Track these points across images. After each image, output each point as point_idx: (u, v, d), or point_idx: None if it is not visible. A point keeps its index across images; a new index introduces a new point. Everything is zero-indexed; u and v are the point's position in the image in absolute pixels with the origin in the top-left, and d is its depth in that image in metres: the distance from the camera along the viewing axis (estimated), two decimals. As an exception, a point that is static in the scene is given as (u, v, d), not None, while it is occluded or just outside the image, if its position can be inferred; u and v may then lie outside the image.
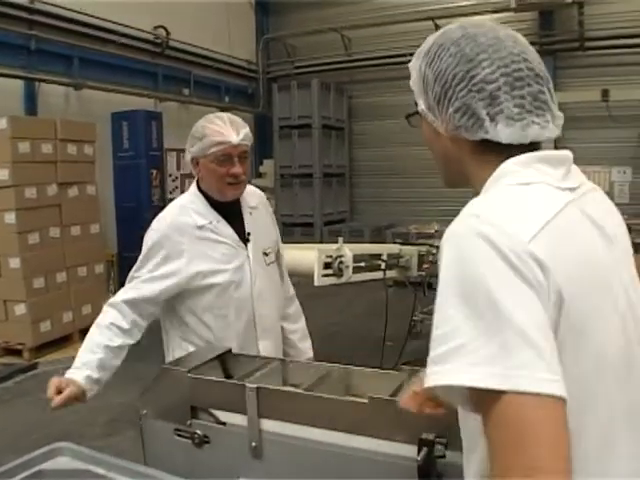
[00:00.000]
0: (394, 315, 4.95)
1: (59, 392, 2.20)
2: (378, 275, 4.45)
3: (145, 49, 10.38)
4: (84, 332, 8.11)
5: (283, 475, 1.73)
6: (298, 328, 2.89)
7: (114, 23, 9.39)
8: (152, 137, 9.12)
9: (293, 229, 11.71)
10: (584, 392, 1.00)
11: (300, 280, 3.52)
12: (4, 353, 6.81)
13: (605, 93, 10.36)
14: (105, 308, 2.49)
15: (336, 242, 4.06)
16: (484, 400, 0.93)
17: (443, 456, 1.46)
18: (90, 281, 7.59)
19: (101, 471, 1.62)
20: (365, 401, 1.63)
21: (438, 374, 0.96)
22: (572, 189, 1.12)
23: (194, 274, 2.45)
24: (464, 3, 11.48)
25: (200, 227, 2.49)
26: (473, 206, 1.07)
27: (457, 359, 0.94)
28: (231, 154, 2.43)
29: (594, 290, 1.04)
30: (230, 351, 2.23)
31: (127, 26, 9.66)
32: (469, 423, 1.11)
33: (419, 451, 1.46)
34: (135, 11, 9.73)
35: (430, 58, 1.19)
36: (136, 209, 8.83)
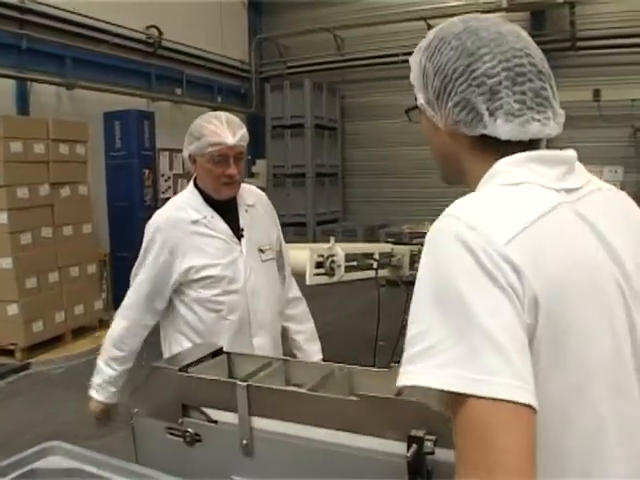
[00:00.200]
0: (387, 314, 4.96)
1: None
2: (370, 274, 4.46)
3: (138, 49, 10.38)
4: (76, 332, 8.08)
5: (274, 473, 1.73)
6: (304, 329, 2.89)
7: (106, 23, 9.38)
8: (144, 137, 9.10)
9: (286, 229, 11.52)
10: (567, 398, 0.98)
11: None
12: (-4, 353, 6.80)
13: (596, 93, 10.42)
14: (117, 319, 2.64)
15: (329, 242, 4.07)
16: (452, 403, 0.93)
17: (432, 453, 1.47)
18: (82, 281, 7.59)
19: (93, 470, 1.63)
20: (355, 399, 1.64)
21: (407, 374, 0.96)
22: (569, 190, 1.09)
23: (188, 268, 2.51)
24: (455, 3, 11.50)
25: (194, 222, 2.54)
26: (455, 206, 1.05)
27: (425, 360, 0.93)
28: (227, 155, 2.47)
29: (582, 294, 1.00)
30: (221, 349, 2.23)
31: (119, 26, 9.66)
32: None
33: (408, 448, 1.47)
34: (127, 11, 9.72)
35: (431, 52, 1.17)
36: (128, 209, 8.82)
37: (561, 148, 1.14)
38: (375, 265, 4.45)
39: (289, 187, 12.36)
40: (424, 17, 11.47)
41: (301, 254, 3.83)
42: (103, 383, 2.61)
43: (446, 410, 0.98)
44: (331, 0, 12.76)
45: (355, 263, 4.25)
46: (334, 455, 1.64)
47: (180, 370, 1.93)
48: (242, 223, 2.63)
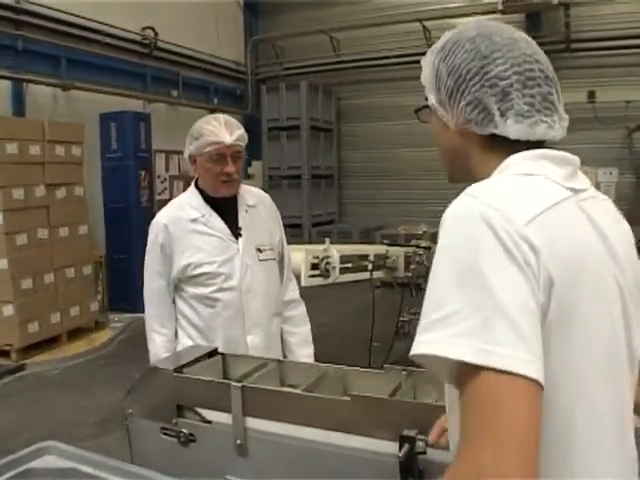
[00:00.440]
0: (382, 316, 4.99)
1: None
2: (365, 276, 4.48)
3: (133, 50, 10.36)
4: (72, 333, 8.06)
5: (268, 472, 1.75)
6: (299, 332, 2.94)
7: (102, 24, 9.36)
8: (140, 138, 9.09)
9: (281, 230, 11.65)
10: (574, 377, 1.02)
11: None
12: (-9, 354, 6.79)
13: (591, 94, 10.44)
14: (151, 336, 2.73)
15: (324, 243, 4.09)
16: (461, 373, 0.95)
17: (424, 452, 1.49)
18: (78, 282, 7.58)
19: (88, 469, 1.63)
20: (347, 399, 1.65)
21: (422, 343, 0.98)
22: (575, 190, 1.13)
23: (186, 264, 2.62)
24: (451, 5, 11.52)
25: (193, 220, 2.66)
26: (476, 187, 1.09)
27: (441, 329, 0.96)
28: (225, 154, 2.57)
29: (586, 283, 1.05)
30: (217, 350, 2.24)
31: (115, 27, 9.64)
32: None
33: (400, 448, 1.49)
34: (123, 12, 9.71)
35: (445, 54, 1.22)
36: (124, 210, 8.79)
37: (557, 150, 1.19)
38: (370, 267, 4.46)
39: (285, 189, 12.36)
40: (420, 19, 11.52)
41: (296, 255, 3.84)
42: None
43: (452, 381, 1.00)
44: (327, 2, 12.75)
45: (350, 265, 4.27)
46: (327, 455, 1.66)
47: (175, 371, 1.95)
48: (241, 222, 2.71)
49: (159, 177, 10.26)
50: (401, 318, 6.57)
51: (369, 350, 4.89)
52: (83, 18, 9.08)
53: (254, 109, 13.34)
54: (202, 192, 2.71)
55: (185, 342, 2.64)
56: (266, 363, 2.19)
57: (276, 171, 12.53)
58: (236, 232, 2.68)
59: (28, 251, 6.84)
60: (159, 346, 2.66)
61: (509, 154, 1.16)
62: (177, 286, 2.69)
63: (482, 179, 1.17)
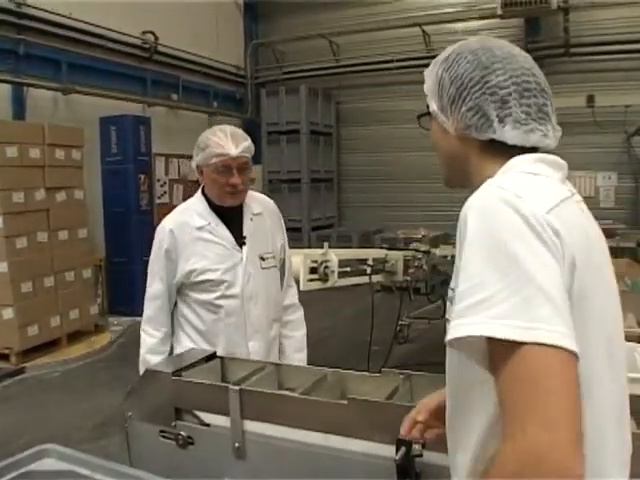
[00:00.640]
0: (382, 320, 5.00)
1: None
2: (364, 280, 4.49)
3: (133, 54, 10.37)
4: (71, 336, 8.06)
5: (266, 475, 1.76)
6: (294, 336, 2.98)
7: (103, 28, 9.38)
8: (140, 142, 9.10)
9: (281, 234, 11.66)
10: (584, 360, 1.04)
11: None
12: (-9, 357, 6.80)
13: (590, 99, 10.44)
14: (142, 336, 2.75)
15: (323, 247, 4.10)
16: (501, 354, 0.98)
17: (421, 455, 1.50)
18: (78, 286, 7.58)
19: (87, 472, 1.64)
20: (345, 402, 1.66)
21: (461, 326, 1.02)
22: (572, 191, 1.23)
23: (190, 270, 2.66)
24: (451, 10, 11.54)
25: (199, 228, 2.69)
26: (496, 180, 1.17)
27: (480, 312, 1.00)
28: (230, 165, 2.59)
29: (593, 271, 1.12)
30: (215, 354, 2.25)
31: (116, 31, 9.65)
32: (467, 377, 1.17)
33: (397, 451, 1.50)
34: (124, 16, 9.73)
35: (448, 64, 1.30)
36: (124, 214, 8.79)
37: (555, 154, 1.27)
38: (369, 271, 4.47)
39: (284, 192, 12.36)
40: (419, 23, 11.54)
41: (295, 259, 3.85)
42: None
43: (487, 365, 1.04)
44: (327, 6, 12.77)
45: (349, 269, 4.27)
46: (325, 458, 1.67)
47: (173, 374, 1.96)
48: (245, 231, 2.74)
49: (159, 181, 10.26)
50: (400, 322, 6.60)
51: (368, 354, 4.90)
52: (84, 22, 9.09)
53: (254, 113, 13.35)
54: (208, 199, 2.74)
55: (186, 344, 2.67)
56: (264, 366, 2.21)
57: (276, 175, 12.53)
58: (240, 240, 2.72)
59: (28, 254, 6.85)
60: (147, 348, 2.70)
61: (506, 159, 1.24)
62: (181, 290, 2.73)
63: (479, 182, 1.23)
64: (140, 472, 1.63)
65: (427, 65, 1.40)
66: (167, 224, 2.73)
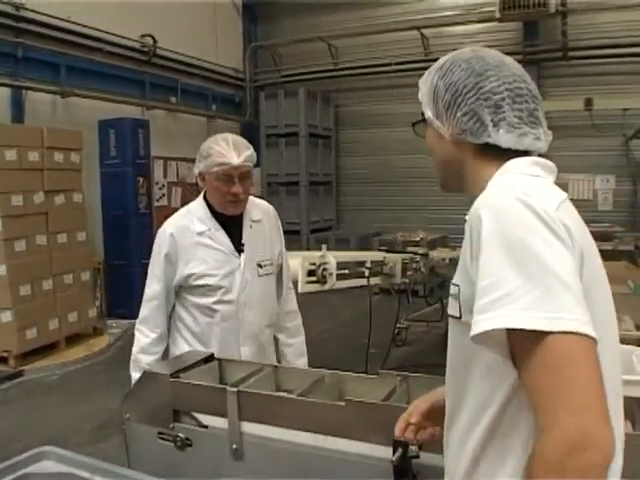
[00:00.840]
0: (380, 322, 5.00)
1: None
2: (362, 282, 4.50)
3: (132, 57, 10.38)
4: (70, 339, 8.04)
5: (264, 476, 1.77)
6: (294, 343, 3.00)
7: (101, 31, 9.39)
8: (139, 145, 9.10)
9: (280, 237, 11.65)
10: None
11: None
12: (-10, 360, 6.79)
13: (588, 102, 10.45)
14: (136, 336, 2.78)
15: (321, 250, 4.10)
16: (526, 346, 1.02)
17: (417, 456, 1.50)
18: (76, 288, 7.58)
19: (85, 474, 1.64)
20: (342, 404, 1.67)
21: (485, 321, 1.05)
22: (564, 193, 1.26)
23: (189, 274, 2.68)
24: (449, 13, 11.56)
25: (200, 233, 2.72)
26: (502, 181, 1.22)
27: (503, 306, 1.04)
28: (232, 174, 2.62)
29: (593, 267, 1.17)
30: (213, 355, 2.26)
31: (114, 34, 9.67)
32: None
33: (394, 452, 1.50)
34: (122, 19, 9.74)
35: (443, 72, 1.35)
36: (123, 217, 8.79)
37: (551, 157, 1.30)
38: (367, 273, 4.48)
39: (283, 195, 12.37)
40: (418, 27, 11.57)
41: (293, 262, 3.86)
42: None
43: (509, 358, 1.08)
44: (326, 9, 12.79)
45: (347, 271, 4.28)
46: (322, 459, 1.68)
47: (171, 376, 1.96)
48: (244, 238, 2.76)
49: (157, 184, 10.25)
50: (398, 325, 6.61)
51: (366, 357, 4.91)
52: (83, 26, 9.11)
53: (252, 116, 13.36)
54: (209, 205, 2.76)
55: (182, 346, 2.70)
56: (262, 368, 2.21)
57: (274, 178, 12.54)
58: (239, 247, 2.74)
59: (27, 257, 6.85)
60: (140, 347, 2.71)
61: (499, 162, 1.28)
62: (179, 294, 2.75)
63: (475, 184, 1.29)
64: (138, 474, 1.64)
65: (426, 68, 1.44)
66: (168, 228, 2.75)
